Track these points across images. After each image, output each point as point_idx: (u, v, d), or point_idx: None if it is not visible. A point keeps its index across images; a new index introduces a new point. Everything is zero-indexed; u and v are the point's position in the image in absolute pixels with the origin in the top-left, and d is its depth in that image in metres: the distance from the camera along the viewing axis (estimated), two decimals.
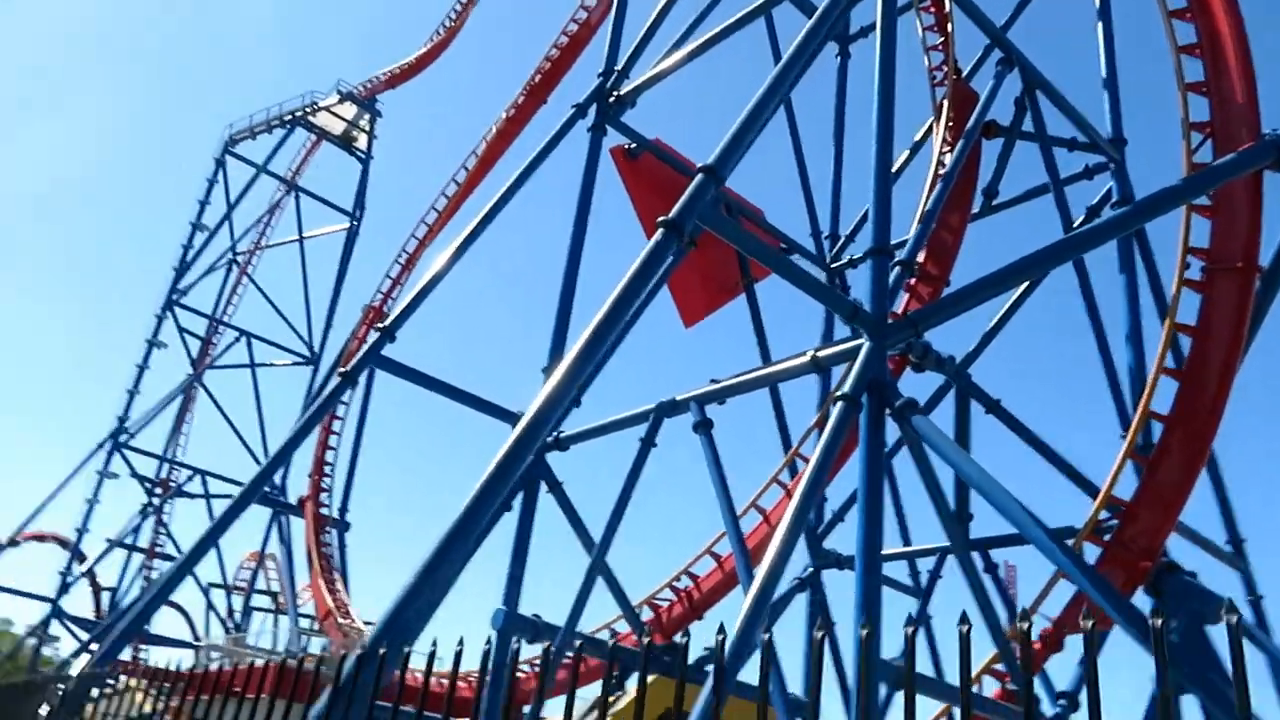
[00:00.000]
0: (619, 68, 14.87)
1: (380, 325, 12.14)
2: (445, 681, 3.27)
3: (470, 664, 9.98)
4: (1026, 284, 13.23)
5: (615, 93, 14.62)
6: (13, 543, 33.00)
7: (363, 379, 22.18)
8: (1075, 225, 13.13)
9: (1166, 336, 9.88)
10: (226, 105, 70.55)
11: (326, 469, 24.15)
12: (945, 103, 14.10)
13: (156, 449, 34.41)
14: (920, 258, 13.55)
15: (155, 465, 34.12)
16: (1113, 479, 9.58)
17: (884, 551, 13.62)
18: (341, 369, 11.78)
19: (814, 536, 14.70)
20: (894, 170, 16.23)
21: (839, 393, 8.34)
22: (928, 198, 11.49)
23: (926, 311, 8.96)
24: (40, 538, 34.14)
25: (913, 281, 13.14)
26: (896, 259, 10.04)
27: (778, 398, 15.59)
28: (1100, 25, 14.28)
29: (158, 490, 33.69)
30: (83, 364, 66.95)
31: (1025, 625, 2.34)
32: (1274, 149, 9.99)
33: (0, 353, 67.27)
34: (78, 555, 32.10)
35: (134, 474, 33.38)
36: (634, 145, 15.33)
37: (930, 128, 15.41)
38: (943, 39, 14.95)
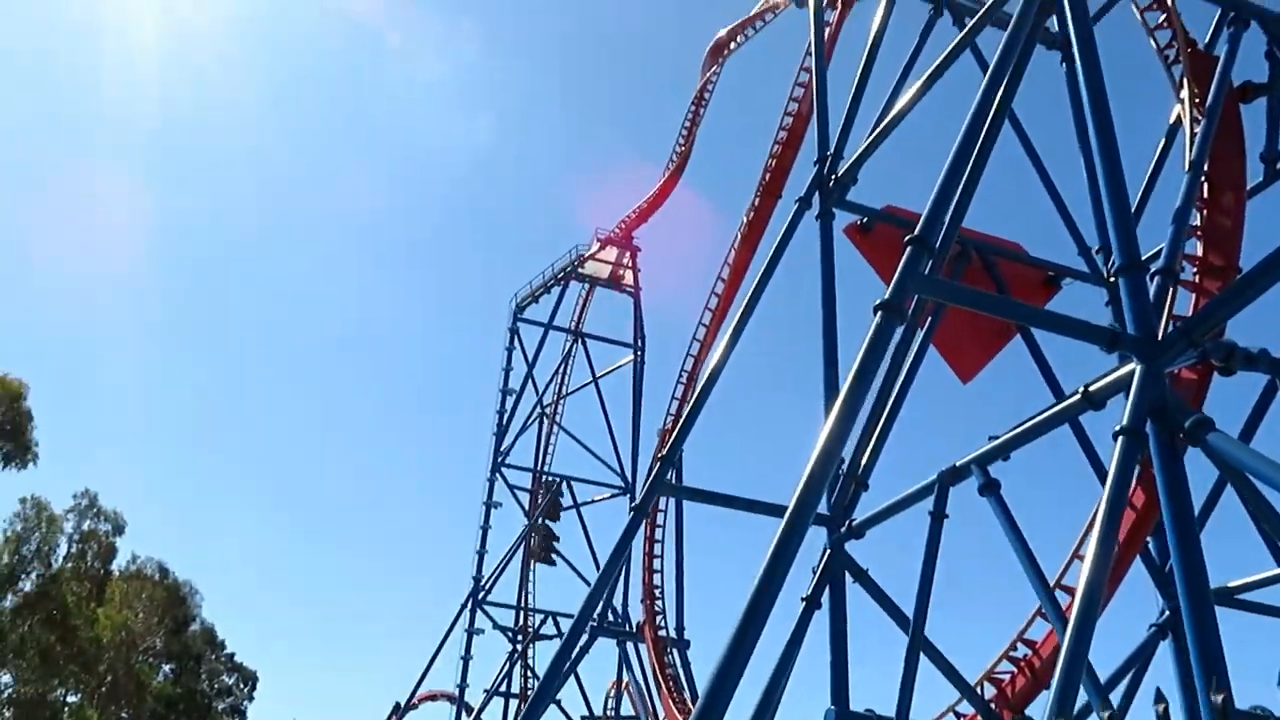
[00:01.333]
0: (831, 152, 15.03)
1: (659, 454, 12.79)
2: None
3: None
4: None
5: (834, 175, 14.77)
6: (411, 706, 36.77)
7: (669, 502, 22.97)
8: None
9: None
10: (494, 277, 77.55)
11: (656, 592, 25.08)
12: (1185, 80, 12.96)
13: (510, 599, 37.33)
14: (1199, 250, 12.35)
15: (512, 614, 36.99)
16: None
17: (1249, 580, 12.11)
18: (633, 504, 12.47)
19: (1163, 574, 13.30)
20: (1156, 166, 15.04)
21: (1116, 427, 7.76)
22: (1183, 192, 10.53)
23: (1199, 318, 8.18)
24: (433, 697, 37.80)
25: (1196, 279, 11.94)
26: (1155, 269, 9.26)
27: (1082, 433, 14.48)
28: None
29: (519, 637, 36.44)
30: (433, 528, 74.24)
31: None
32: None
33: (363, 526, 76.11)
34: (465, 708, 35.13)
35: (496, 625, 36.31)
36: (865, 220, 15.28)
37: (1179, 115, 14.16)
38: (1164, 14, 13.84)
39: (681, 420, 13.17)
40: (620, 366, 40.08)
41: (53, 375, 68.08)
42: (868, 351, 7.36)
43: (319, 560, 76.05)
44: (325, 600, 72.21)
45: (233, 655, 41.61)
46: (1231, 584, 11.62)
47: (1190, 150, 12.46)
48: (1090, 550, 7.20)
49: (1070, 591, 13.09)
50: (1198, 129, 12.70)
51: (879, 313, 7.57)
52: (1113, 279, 16.24)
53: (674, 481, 27.39)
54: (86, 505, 26.30)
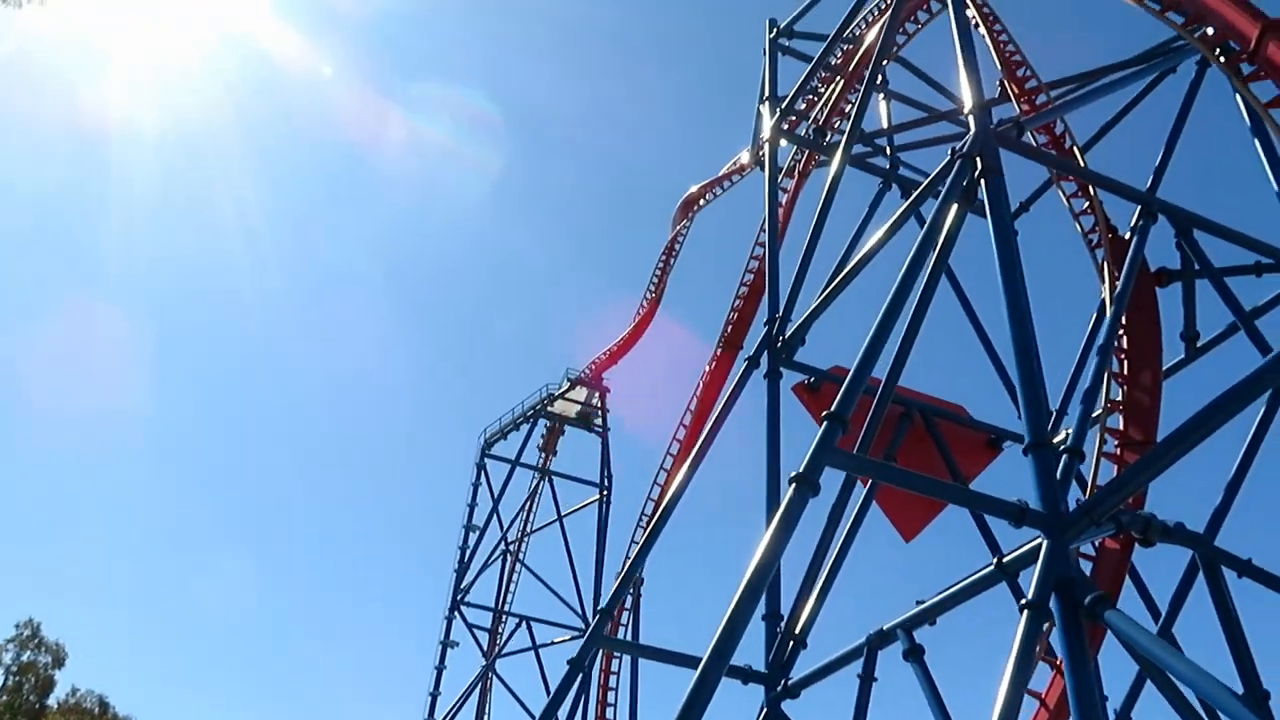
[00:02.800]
0: (780, 314, 15.72)
1: (600, 608, 12.96)
2: None
3: None
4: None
5: (782, 336, 15.43)
6: None
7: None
8: None
9: None
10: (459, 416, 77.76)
11: None
12: (1106, 264, 13.86)
13: None
14: (1120, 425, 12.98)
15: None
16: None
17: None
18: (570, 659, 12.53)
19: None
20: (1086, 345, 15.81)
21: (1022, 601, 8.11)
22: (1090, 373, 11.18)
23: (1097, 497, 8.64)
24: None
25: (1118, 452, 12.52)
26: (1064, 447, 9.78)
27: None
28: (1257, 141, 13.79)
29: None
30: (390, 664, 71.84)
31: None
32: None
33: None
34: None
35: None
36: (812, 379, 15.87)
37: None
38: (1088, 201, 14.89)
39: (622, 573, 13.37)
40: (586, 505, 40.09)
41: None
42: (780, 522, 7.73)
43: (272, 695, 73.23)
44: None
45: None
46: None
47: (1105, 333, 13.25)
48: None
49: None
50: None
51: (792, 485, 7.98)
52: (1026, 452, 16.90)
53: (625, 634, 27.27)
54: (28, 635, 25.69)
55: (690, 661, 13.35)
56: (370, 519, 77.32)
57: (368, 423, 78.11)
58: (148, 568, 74.15)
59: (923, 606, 10.22)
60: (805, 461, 8.12)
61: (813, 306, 15.13)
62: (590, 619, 36.72)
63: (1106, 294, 13.71)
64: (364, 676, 70.69)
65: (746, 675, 12.79)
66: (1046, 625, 8.53)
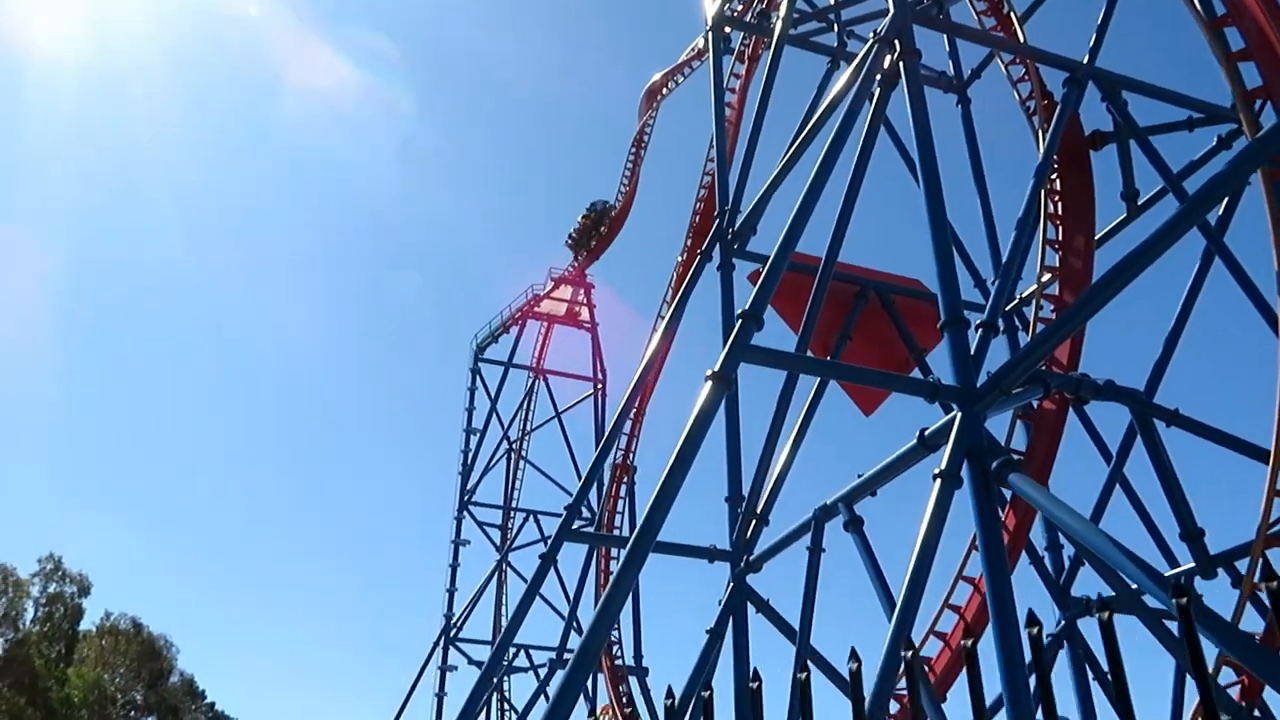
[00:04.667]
0: (729, 206, 15.93)
1: (567, 505, 13.69)
2: None
3: None
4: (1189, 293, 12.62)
5: (731, 228, 15.69)
6: None
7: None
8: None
9: None
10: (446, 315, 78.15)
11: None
12: (1041, 132, 14.02)
13: (484, 635, 37.92)
14: (1056, 291, 13.36)
15: (487, 650, 37.51)
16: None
17: None
18: (541, 554, 13.32)
19: (1058, 587, 14.19)
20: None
21: (935, 470, 8.66)
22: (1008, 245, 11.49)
23: (1009, 365, 9.09)
24: None
25: (1054, 318, 12.94)
26: (978, 321, 10.19)
27: None
28: None
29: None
30: (403, 568, 74.48)
31: None
32: None
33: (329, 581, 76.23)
34: None
35: (471, 661, 36.88)
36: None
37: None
38: (1024, 69, 14.93)
39: (589, 468, 14.05)
40: (582, 400, 40.95)
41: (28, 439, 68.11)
42: (697, 419, 8.23)
43: (291, 605, 76.22)
44: (300, 643, 72.27)
45: (213, 705, 41.97)
46: None
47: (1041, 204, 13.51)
48: (904, 584, 8.07)
49: (956, 610, 14.02)
50: (1052, 177, 13.77)
51: (708, 382, 8.45)
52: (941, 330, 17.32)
53: (622, 524, 28.28)
54: (52, 569, 26.94)
55: (661, 547, 14.12)
56: (371, 431, 78.88)
57: (355, 344, 78.75)
58: (160, 488, 76.12)
59: (859, 480, 10.83)
60: (721, 360, 8.57)
61: (759, 194, 15.35)
62: (594, 510, 38.02)
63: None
64: (382, 585, 73.42)
65: (712, 554, 13.59)
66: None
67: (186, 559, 72.16)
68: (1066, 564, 14.37)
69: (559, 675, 22.85)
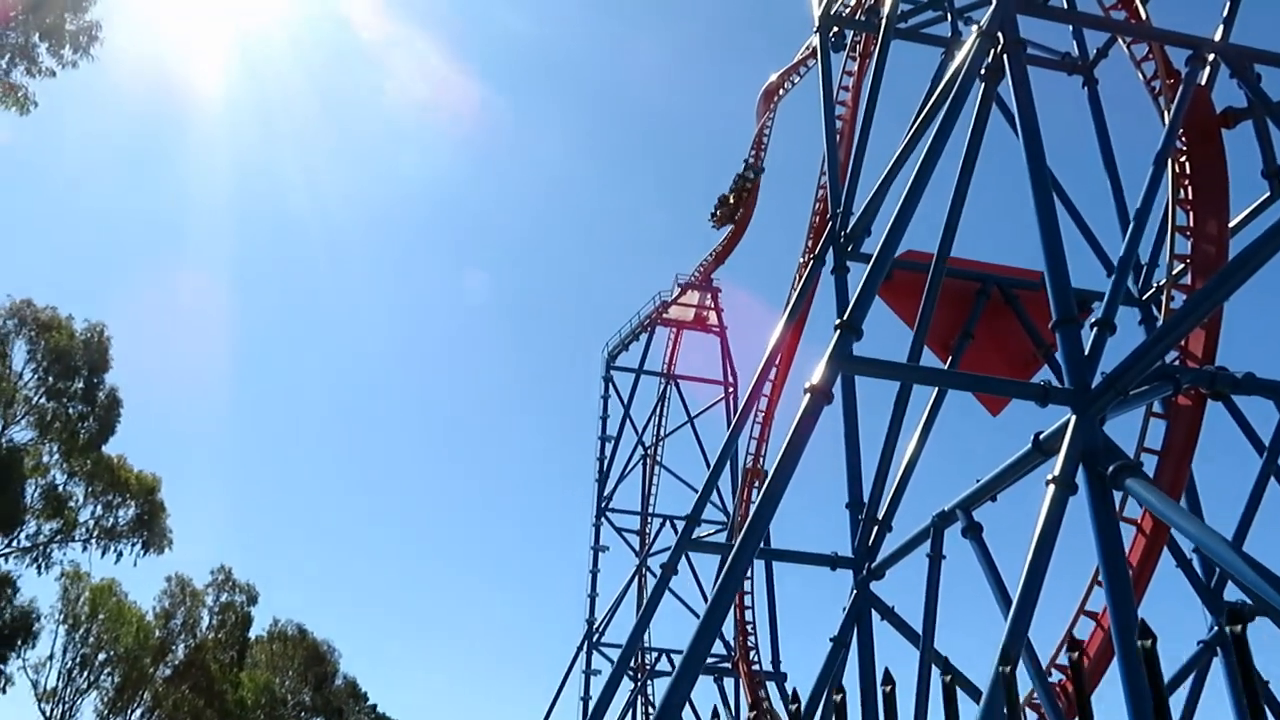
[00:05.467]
0: (840, 209, 15.80)
1: (687, 515, 13.84)
2: None
3: None
4: None
5: (844, 231, 15.55)
6: None
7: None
8: None
9: None
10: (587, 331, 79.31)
11: (748, 629, 25.82)
12: (1166, 114, 13.35)
13: (624, 639, 38.51)
14: (1188, 280, 12.70)
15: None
16: None
17: None
18: (663, 564, 13.51)
19: (1209, 590, 13.47)
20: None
21: (1048, 476, 8.44)
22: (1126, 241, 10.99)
23: (1126, 363, 8.75)
24: None
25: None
26: (1093, 320, 9.81)
27: None
28: None
29: (637, 675, 37.52)
30: (546, 574, 76.16)
31: None
32: None
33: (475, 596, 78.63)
34: None
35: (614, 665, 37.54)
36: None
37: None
38: (1148, 47, 14.25)
39: (708, 476, 14.19)
40: (715, 405, 41.12)
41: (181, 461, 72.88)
42: (796, 431, 8.27)
43: (442, 613, 79.05)
44: (453, 650, 74.95)
45: (375, 706, 44.16)
46: None
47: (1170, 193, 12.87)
48: (1017, 593, 7.91)
49: (1092, 616, 13.47)
50: (1180, 160, 13.11)
51: (807, 395, 8.47)
52: (1145, 298, 16.51)
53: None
54: (223, 579, 29.07)
55: (786, 556, 14.15)
56: (511, 446, 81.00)
57: (491, 360, 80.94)
58: (317, 504, 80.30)
59: (977, 486, 10.59)
60: (820, 372, 8.59)
61: (870, 195, 15.15)
62: (730, 513, 38.09)
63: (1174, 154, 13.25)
64: (528, 591, 75.30)
65: (834, 562, 13.51)
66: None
67: (344, 569, 76.01)
68: (1217, 568, 13.64)
69: None
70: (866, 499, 13.20)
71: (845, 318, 8.87)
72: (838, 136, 24.50)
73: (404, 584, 79.77)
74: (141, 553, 24.25)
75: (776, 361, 16.30)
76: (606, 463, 40.86)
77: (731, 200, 35.11)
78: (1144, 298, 15.88)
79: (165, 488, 24.96)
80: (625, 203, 79.35)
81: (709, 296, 40.22)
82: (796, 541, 15.24)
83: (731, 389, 40.38)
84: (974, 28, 11.83)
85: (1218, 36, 13.30)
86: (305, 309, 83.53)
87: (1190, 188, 12.94)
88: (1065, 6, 16.83)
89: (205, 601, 28.81)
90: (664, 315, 39.91)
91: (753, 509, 8.02)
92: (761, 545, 16.26)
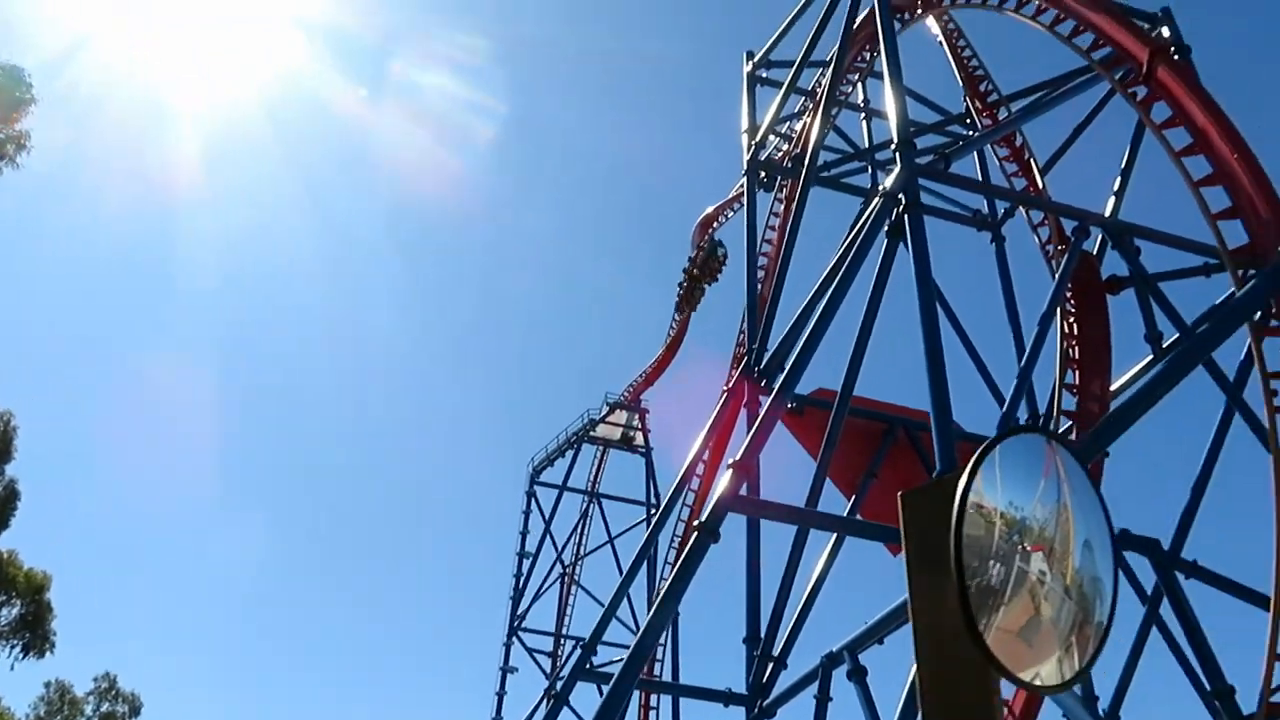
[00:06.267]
0: (755, 345, 16.31)
1: (583, 642, 13.73)
2: None
3: None
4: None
5: (757, 367, 16.01)
6: None
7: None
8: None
9: None
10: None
11: None
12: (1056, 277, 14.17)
13: None
14: (1073, 436, 13.29)
15: None
16: None
17: None
18: (551, 694, 13.31)
19: None
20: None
21: None
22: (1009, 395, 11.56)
23: None
24: None
25: None
26: None
27: None
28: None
29: None
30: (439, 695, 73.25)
31: None
32: None
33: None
34: None
35: None
36: (795, 404, 16.37)
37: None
38: (1043, 215, 15.23)
39: (608, 603, 14.12)
40: (636, 525, 40.88)
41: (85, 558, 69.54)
42: (681, 566, 8.40)
43: None
44: None
45: None
46: None
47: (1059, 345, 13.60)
48: None
49: None
50: (1070, 321, 13.88)
51: (694, 533, 8.63)
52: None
53: (663, 669, 27.79)
54: (106, 687, 27.53)
55: (675, 689, 14.03)
56: (421, 555, 78.90)
57: (413, 457, 79.46)
58: (212, 615, 76.81)
59: (865, 628, 10.73)
60: (707, 513, 8.77)
61: (784, 334, 15.67)
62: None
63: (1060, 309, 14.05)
64: (428, 711, 72.27)
65: (728, 698, 13.41)
66: None
67: (225, 686, 71.92)
68: None
69: None
70: (764, 634, 13.25)
71: (739, 457, 9.12)
72: (760, 273, 25.48)
73: (304, 704, 76.05)
74: (20, 656, 22.99)
75: (692, 486, 16.43)
76: (523, 580, 40.14)
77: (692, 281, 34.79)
78: None
79: (58, 585, 23.95)
80: (563, 318, 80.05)
81: (636, 417, 40.52)
82: (712, 676, 15.08)
83: (654, 510, 40.33)
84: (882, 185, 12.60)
85: (1108, 210, 14.29)
86: (269, 394, 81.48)
87: (1077, 347, 13.66)
88: (975, 170, 18.04)
89: (84, 711, 27.21)
90: (592, 432, 40.03)
91: (632, 647, 8.04)
92: (669, 679, 16.10)
